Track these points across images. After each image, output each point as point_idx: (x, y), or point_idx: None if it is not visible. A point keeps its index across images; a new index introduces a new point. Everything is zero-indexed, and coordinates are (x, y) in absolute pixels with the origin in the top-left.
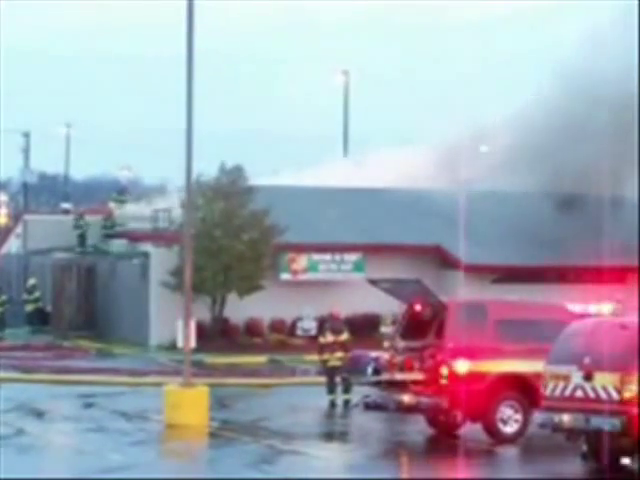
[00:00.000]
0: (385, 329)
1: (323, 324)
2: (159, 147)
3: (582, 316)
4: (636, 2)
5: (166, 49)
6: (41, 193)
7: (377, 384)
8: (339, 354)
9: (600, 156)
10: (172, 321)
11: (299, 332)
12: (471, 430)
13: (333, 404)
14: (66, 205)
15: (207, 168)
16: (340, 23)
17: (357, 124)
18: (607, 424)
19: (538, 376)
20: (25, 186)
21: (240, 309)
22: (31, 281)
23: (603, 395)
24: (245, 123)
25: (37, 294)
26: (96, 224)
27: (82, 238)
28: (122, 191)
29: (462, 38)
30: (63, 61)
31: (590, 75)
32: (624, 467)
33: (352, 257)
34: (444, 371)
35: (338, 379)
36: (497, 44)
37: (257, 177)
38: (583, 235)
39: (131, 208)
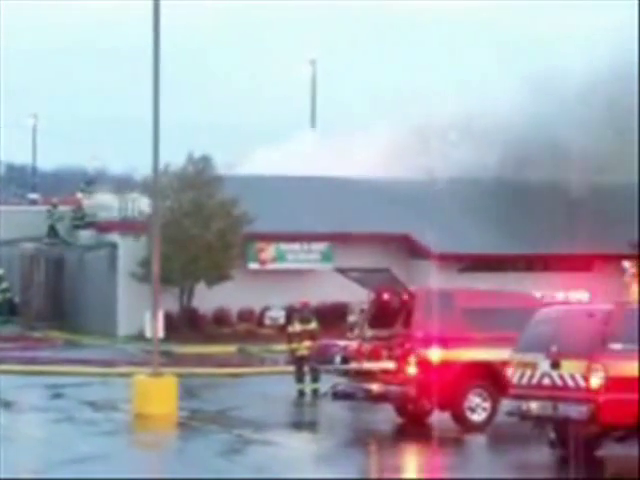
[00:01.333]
0: (353, 318)
1: (291, 313)
2: (127, 137)
3: (549, 304)
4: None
5: (135, 39)
6: (9, 184)
7: (345, 373)
8: (307, 343)
9: (570, 141)
10: (140, 311)
11: (267, 321)
12: (439, 418)
13: (302, 393)
14: (34, 196)
15: (175, 158)
16: (307, 12)
17: (325, 113)
18: (574, 412)
19: (506, 364)
20: None
21: (208, 299)
22: None
23: (570, 383)
24: (214, 114)
25: (5, 285)
26: (67, 215)
27: (53, 229)
28: (90, 181)
29: (436, 26)
30: (28, 53)
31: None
32: (591, 454)
33: (320, 246)
34: (412, 360)
35: (307, 368)
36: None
37: (225, 167)
38: (551, 223)
39: (99, 198)
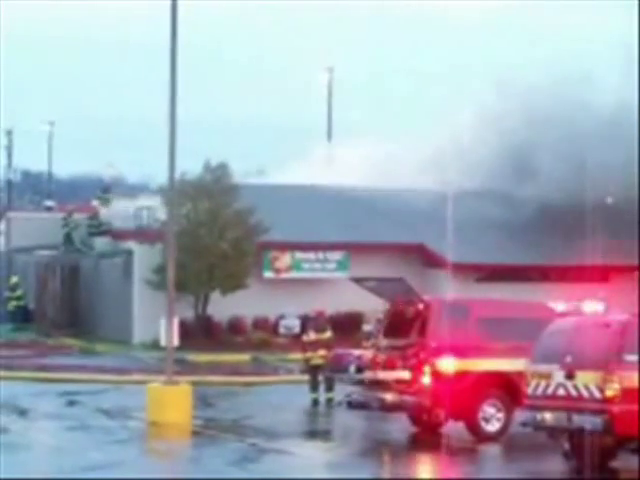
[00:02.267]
0: (368, 327)
1: (306, 322)
2: (143, 144)
3: (564, 314)
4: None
5: (152, 40)
6: (25, 191)
7: (360, 382)
8: (322, 352)
9: (580, 160)
10: (155, 319)
11: (282, 330)
12: (454, 428)
13: (316, 402)
14: (50, 203)
15: (192, 164)
16: (326, 19)
17: (341, 121)
18: (589, 423)
19: (520, 374)
20: (9, 184)
21: (223, 307)
22: (13, 279)
23: (585, 394)
24: (230, 116)
25: (20, 292)
26: (83, 223)
27: (69, 237)
28: (106, 189)
29: (455, 33)
30: (44, 54)
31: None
32: (606, 465)
33: (336, 255)
34: (427, 370)
35: (321, 377)
36: (490, 40)
37: (242, 175)
38: (566, 234)
39: (115, 206)
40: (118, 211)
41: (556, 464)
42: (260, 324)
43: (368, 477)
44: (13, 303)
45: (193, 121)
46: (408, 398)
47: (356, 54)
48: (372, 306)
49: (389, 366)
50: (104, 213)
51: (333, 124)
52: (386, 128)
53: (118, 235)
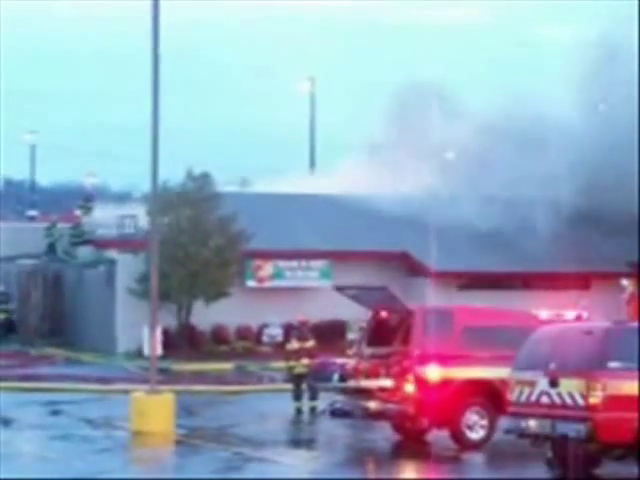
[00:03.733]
0: (352, 336)
1: (289, 331)
2: (127, 153)
3: (548, 322)
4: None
5: (134, 48)
6: (8, 200)
7: (343, 391)
8: (305, 361)
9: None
10: (139, 328)
11: (265, 339)
12: (437, 436)
13: (299, 411)
14: (32, 212)
15: (174, 173)
16: (308, 28)
17: (324, 129)
18: (572, 430)
19: (504, 382)
20: None
21: (206, 316)
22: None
23: (569, 401)
24: (212, 126)
25: (11, 306)
26: (66, 232)
27: (52, 246)
28: (88, 198)
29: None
30: (26, 62)
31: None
32: (590, 473)
33: (319, 264)
34: (410, 378)
35: (304, 386)
36: (471, 47)
37: (225, 184)
38: (550, 243)
39: (98, 215)
40: (101, 220)
41: (539, 472)
42: (243, 333)
43: None
44: (1, 316)
45: (176, 129)
46: (392, 406)
47: (338, 64)
48: (355, 315)
49: (373, 374)
50: (87, 222)
51: (316, 133)
52: (368, 137)
53: (101, 244)
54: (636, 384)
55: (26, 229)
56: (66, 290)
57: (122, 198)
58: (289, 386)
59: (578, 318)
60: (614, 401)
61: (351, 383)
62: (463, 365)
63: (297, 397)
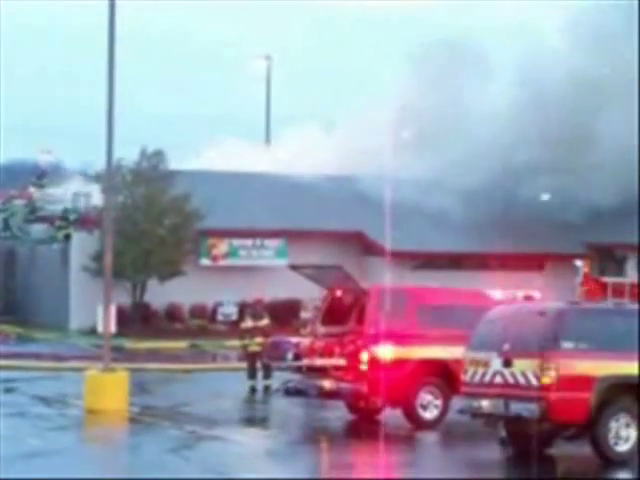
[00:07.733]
0: (306, 315)
1: (244, 310)
2: (81, 131)
3: (501, 302)
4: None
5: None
6: None
7: (298, 370)
8: (259, 339)
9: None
10: (93, 306)
11: (220, 317)
12: (391, 416)
13: (254, 390)
14: None
15: (129, 152)
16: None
17: (279, 108)
18: (526, 410)
19: (458, 362)
20: None
21: (161, 294)
22: None
23: (522, 381)
24: (168, 106)
25: None
26: (21, 209)
27: (6, 223)
28: (42, 175)
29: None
30: None
31: None
32: (542, 453)
33: (274, 243)
34: (364, 357)
35: (259, 365)
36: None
37: (179, 160)
38: (503, 224)
39: (52, 192)
40: (54, 197)
41: (493, 451)
42: (198, 311)
43: (305, 465)
44: None
45: (130, 110)
46: (345, 385)
47: (294, 42)
48: (310, 294)
49: (327, 353)
50: (41, 199)
51: (271, 112)
52: (324, 116)
53: (55, 222)
54: (589, 364)
55: None
56: (19, 267)
57: (77, 176)
58: (243, 365)
59: (528, 298)
60: (567, 381)
61: (305, 362)
62: (417, 345)
63: (251, 375)
